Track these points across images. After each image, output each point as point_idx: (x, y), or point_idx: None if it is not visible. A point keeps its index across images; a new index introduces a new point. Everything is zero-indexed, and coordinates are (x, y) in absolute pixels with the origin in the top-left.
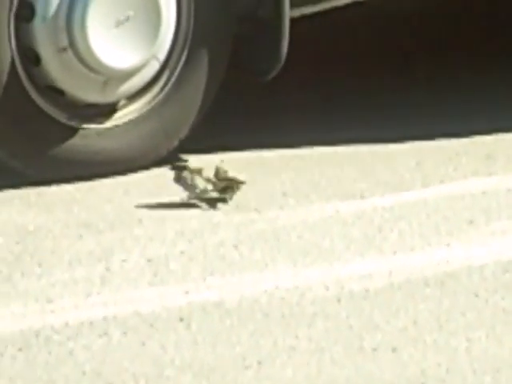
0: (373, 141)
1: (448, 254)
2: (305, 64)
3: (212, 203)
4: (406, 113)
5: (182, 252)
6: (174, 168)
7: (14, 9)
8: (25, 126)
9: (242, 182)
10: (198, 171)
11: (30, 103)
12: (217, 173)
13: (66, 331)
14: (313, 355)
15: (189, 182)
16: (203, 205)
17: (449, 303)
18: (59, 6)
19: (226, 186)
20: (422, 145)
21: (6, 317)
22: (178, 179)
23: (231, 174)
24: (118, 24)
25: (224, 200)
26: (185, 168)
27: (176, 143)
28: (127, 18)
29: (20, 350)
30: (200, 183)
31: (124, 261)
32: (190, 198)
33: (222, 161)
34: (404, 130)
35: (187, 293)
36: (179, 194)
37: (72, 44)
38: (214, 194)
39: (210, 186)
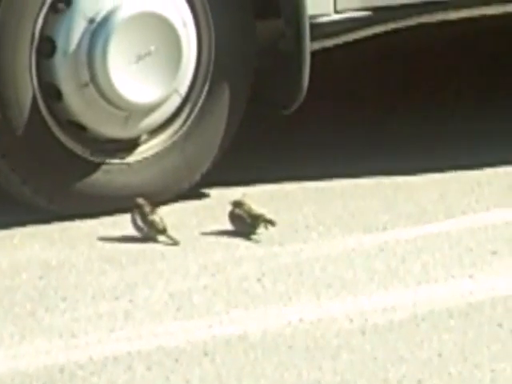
0: (395, 173)
1: (472, 285)
2: (326, 97)
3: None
4: (427, 145)
5: (205, 286)
6: (232, 203)
7: (35, 44)
8: (48, 161)
9: (273, 223)
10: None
11: (53, 139)
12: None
13: (90, 366)
14: None
15: (245, 217)
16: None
17: (473, 335)
18: (80, 41)
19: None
20: (444, 176)
21: (31, 353)
22: (232, 214)
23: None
24: (140, 59)
25: (249, 234)
26: (241, 204)
27: (198, 177)
28: (148, 53)
29: None
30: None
31: (147, 295)
32: (239, 232)
33: (245, 194)
34: (426, 161)
35: (211, 327)
36: (200, 227)
37: (93, 79)
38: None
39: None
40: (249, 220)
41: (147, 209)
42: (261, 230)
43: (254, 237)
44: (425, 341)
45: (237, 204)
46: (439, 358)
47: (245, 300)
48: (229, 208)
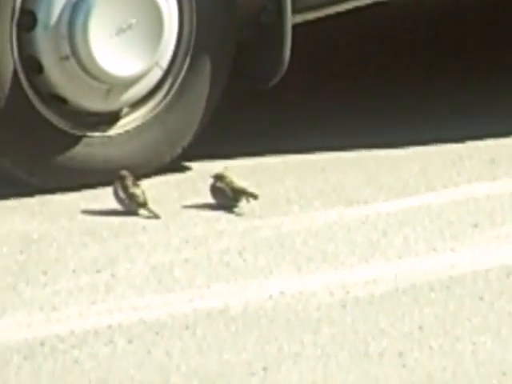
0: (376, 146)
1: (453, 258)
2: (306, 70)
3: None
4: (408, 118)
5: (186, 259)
6: (214, 176)
7: (15, 18)
8: (28, 134)
9: (255, 196)
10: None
11: (33, 112)
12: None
13: (71, 339)
14: (318, 361)
15: (226, 190)
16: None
17: (454, 308)
18: (61, 14)
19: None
20: (425, 150)
21: (11, 326)
22: (214, 187)
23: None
24: (120, 32)
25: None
26: (222, 177)
27: (179, 151)
28: (129, 26)
29: (25, 358)
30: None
31: (129, 269)
32: (220, 205)
33: (226, 167)
34: (407, 135)
35: (192, 300)
36: (181, 201)
37: (74, 52)
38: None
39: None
40: (230, 193)
41: (129, 181)
42: (242, 203)
43: (235, 210)
44: (406, 314)
45: (218, 177)
46: (420, 330)
47: (226, 273)
48: (210, 181)
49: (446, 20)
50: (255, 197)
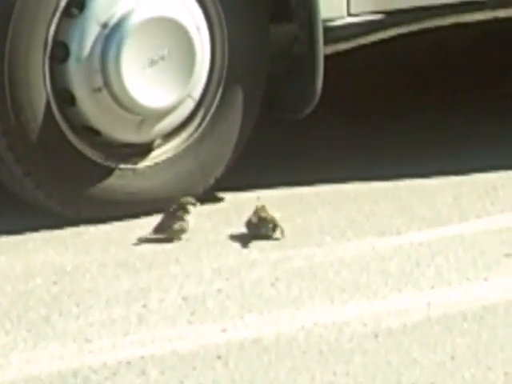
0: (409, 176)
1: (486, 288)
2: (338, 101)
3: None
4: (441, 148)
5: (219, 290)
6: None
7: (48, 50)
8: (61, 166)
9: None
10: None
11: (66, 143)
12: (256, 211)
13: (104, 371)
14: None
15: (254, 220)
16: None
17: (487, 337)
18: (93, 46)
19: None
20: (458, 180)
21: (44, 357)
22: (247, 218)
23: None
24: (153, 63)
25: (263, 238)
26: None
27: (212, 181)
28: (162, 58)
29: None
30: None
31: (161, 300)
32: (253, 236)
33: (259, 198)
34: (440, 164)
35: (225, 331)
36: (213, 231)
37: (107, 84)
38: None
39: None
40: (263, 224)
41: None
42: (275, 234)
43: (267, 240)
44: (438, 344)
45: (253, 210)
46: (453, 360)
47: (259, 304)
48: (243, 212)
49: (478, 47)
50: (282, 231)
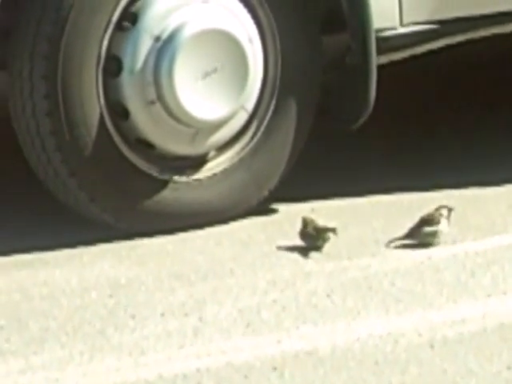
0: (463, 186)
1: None
2: (392, 110)
3: (304, 252)
4: (496, 157)
5: (274, 301)
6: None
7: (101, 63)
8: (115, 179)
9: (333, 230)
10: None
11: (120, 157)
12: (305, 223)
13: None
14: None
15: (311, 232)
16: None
17: None
18: (146, 59)
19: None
20: None
21: (100, 371)
22: (302, 230)
23: (321, 222)
24: (206, 76)
25: (318, 249)
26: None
27: (266, 193)
28: (215, 70)
29: None
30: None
31: (216, 312)
32: (308, 247)
33: (313, 209)
34: (494, 173)
35: (280, 342)
36: (267, 243)
37: (160, 97)
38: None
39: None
40: (317, 235)
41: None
42: (329, 244)
43: (322, 251)
44: (494, 354)
45: (306, 220)
46: (508, 370)
47: (314, 315)
48: (298, 224)
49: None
50: (335, 231)
